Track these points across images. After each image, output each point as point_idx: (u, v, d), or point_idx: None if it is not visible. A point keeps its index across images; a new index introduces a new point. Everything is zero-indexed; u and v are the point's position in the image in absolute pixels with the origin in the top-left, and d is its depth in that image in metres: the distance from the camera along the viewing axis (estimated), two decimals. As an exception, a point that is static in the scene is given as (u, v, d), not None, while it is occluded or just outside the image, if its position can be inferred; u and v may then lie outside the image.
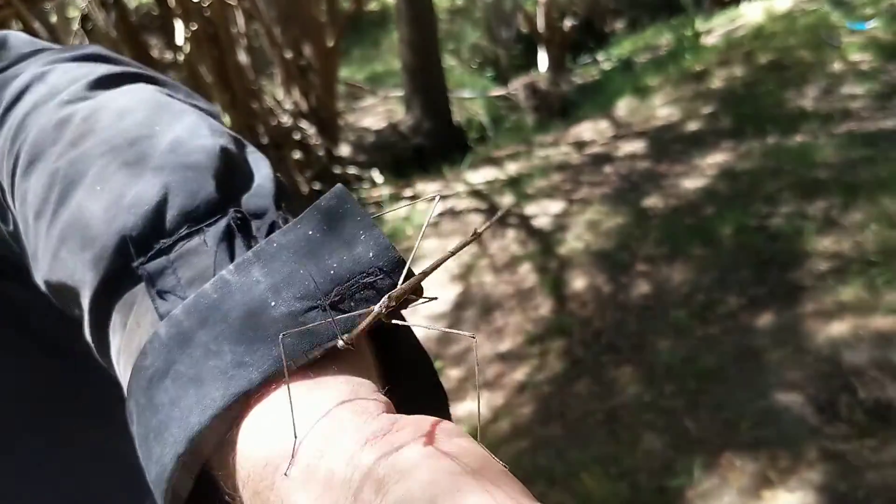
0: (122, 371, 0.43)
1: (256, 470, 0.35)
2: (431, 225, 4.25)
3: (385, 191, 4.65)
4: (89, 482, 0.66)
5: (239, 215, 0.43)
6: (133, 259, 0.43)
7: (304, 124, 4.96)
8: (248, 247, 0.42)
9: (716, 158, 4.17)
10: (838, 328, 2.72)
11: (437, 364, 3.15)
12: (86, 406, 0.65)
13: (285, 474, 0.33)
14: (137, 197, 0.44)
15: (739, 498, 2.19)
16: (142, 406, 0.39)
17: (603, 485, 2.26)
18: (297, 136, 4.95)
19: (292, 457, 0.34)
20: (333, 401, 0.36)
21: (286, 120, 4.91)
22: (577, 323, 3.20)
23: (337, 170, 4.96)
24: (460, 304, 3.53)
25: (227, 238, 0.43)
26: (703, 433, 2.44)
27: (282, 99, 5.11)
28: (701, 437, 2.42)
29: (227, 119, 4.64)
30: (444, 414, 0.47)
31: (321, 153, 4.95)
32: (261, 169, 0.48)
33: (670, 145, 4.53)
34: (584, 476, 2.33)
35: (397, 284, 0.41)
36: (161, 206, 0.43)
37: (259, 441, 0.36)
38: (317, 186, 4.84)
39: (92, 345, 0.47)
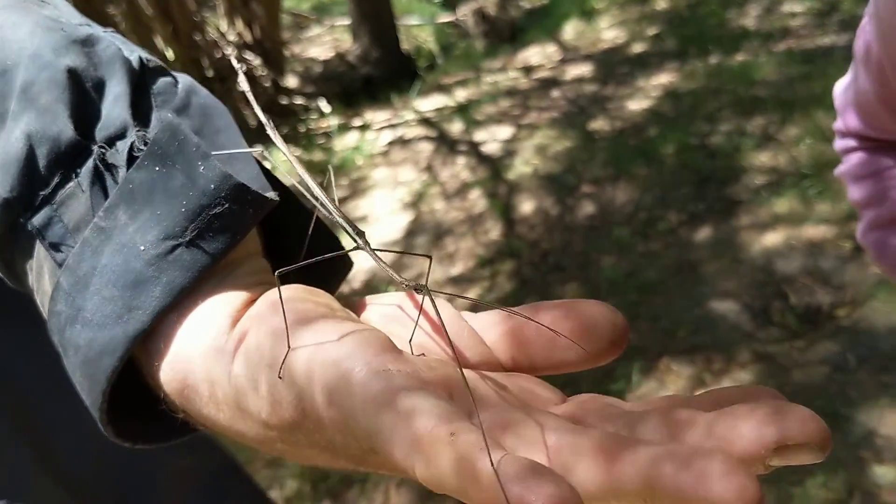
0: (42, 307, 0.48)
1: (176, 373, 0.43)
2: (381, 154, 4.27)
3: (333, 121, 4.64)
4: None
5: (103, 150, 0.45)
6: (21, 215, 0.45)
7: (248, 56, 4.88)
8: (116, 184, 0.45)
9: (660, 80, 4.22)
10: (772, 239, 2.85)
11: (390, 289, 3.22)
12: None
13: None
14: (5, 153, 0.45)
15: (676, 400, 2.32)
16: (64, 346, 0.45)
17: (549, 394, 2.37)
18: (242, 67, 4.88)
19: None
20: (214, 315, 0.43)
21: (230, 52, 4.84)
22: (525, 245, 3.28)
23: (284, 101, 4.92)
24: (412, 231, 3.59)
25: (98, 178, 0.45)
26: (642, 342, 2.56)
27: (225, 30, 5.02)
28: (641, 346, 2.54)
29: (169, 53, 4.54)
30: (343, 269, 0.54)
31: (267, 84, 4.89)
32: (114, 76, 0.47)
33: (616, 68, 4.57)
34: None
35: (247, 211, 0.44)
36: (30, 159, 0.45)
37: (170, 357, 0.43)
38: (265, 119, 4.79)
39: (7, 281, 0.51)
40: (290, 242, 0.52)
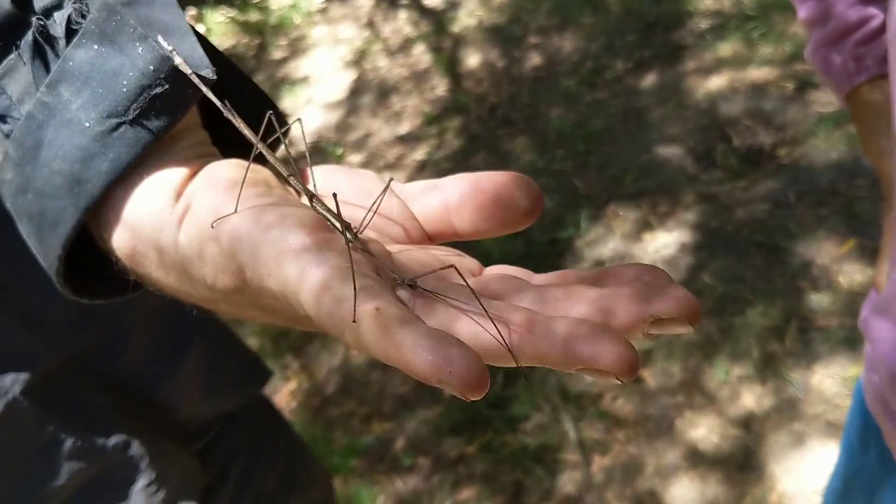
0: None
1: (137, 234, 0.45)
2: (320, 11, 4.10)
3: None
4: None
5: (41, 22, 0.45)
6: None
7: None
8: (57, 57, 0.45)
9: (605, -77, 4.08)
10: (716, 82, 2.86)
11: (338, 151, 3.19)
12: None
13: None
14: None
15: (623, 242, 2.40)
16: (17, 212, 0.47)
17: (500, 243, 2.42)
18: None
19: None
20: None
21: None
22: (472, 100, 3.25)
23: (213, -42, 4.65)
24: (356, 91, 3.51)
25: (38, 50, 0.45)
26: (590, 189, 2.61)
27: None
28: (588, 193, 2.59)
29: None
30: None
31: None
32: None
33: (560, -88, 4.39)
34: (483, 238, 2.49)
35: (186, 90, 0.45)
36: None
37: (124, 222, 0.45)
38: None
39: None
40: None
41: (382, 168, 3.07)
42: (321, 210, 0.42)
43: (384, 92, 3.46)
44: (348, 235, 0.40)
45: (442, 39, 3.63)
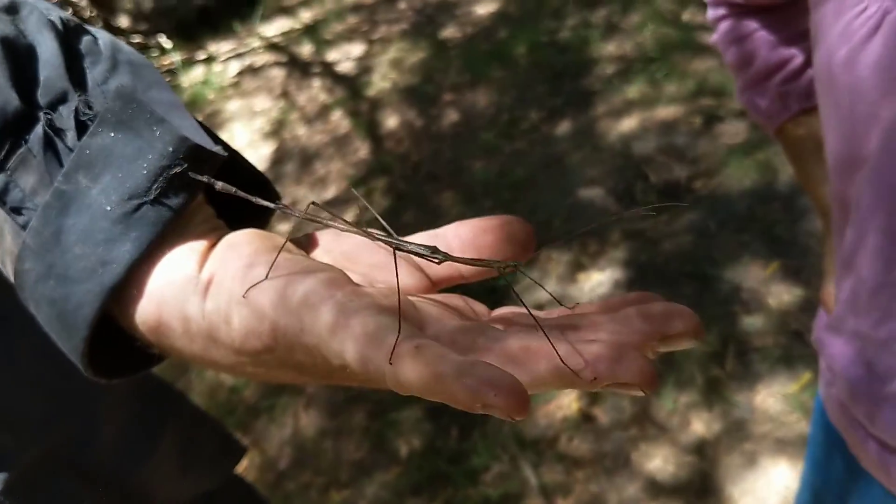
0: (3, 266, 0.51)
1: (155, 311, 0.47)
2: (232, 85, 4.11)
3: (176, 57, 4.40)
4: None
5: (49, 116, 0.47)
6: None
7: (70, -4, 4.53)
8: (67, 148, 0.47)
9: (503, -19, 4.25)
10: (628, 124, 2.99)
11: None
12: None
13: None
14: None
15: (559, 284, 2.45)
16: (36, 300, 0.48)
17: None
18: (68, 11, 4.53)
19: None
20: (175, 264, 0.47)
21: (48, -7, 4.47)
22: (395, 160, 3.29)
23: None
24: (277, 160, 3.52)
25: (48, 143, 0.47)
26: (522, 236, 2.66)
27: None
28: (521, 240, 2.64)
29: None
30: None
31: (98, 26, 4.56)
32: (43, 40, 0.49)
33: (459, -27, 4.55)
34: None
35: (203, 167, 0.47)
36: None
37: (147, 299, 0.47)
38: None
39: None
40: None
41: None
42: (372, 234, 0.47)
43: (306, 159, 3.48)
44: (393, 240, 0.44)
45: (358, 104, 3.69)
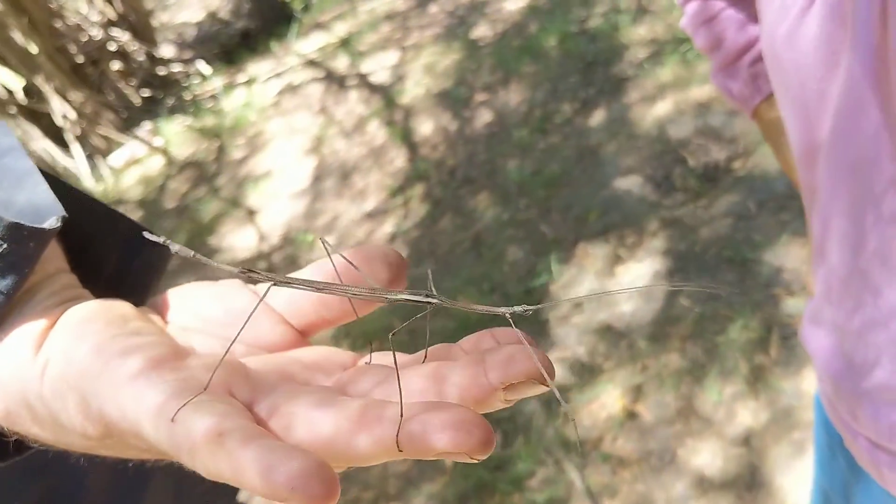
0: None
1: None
2: (273, 105, 4.18)
3: (217, 82, 4.50)
4: None
5: None
6: None
7: (116, 32, 4.67)
8: None
9: (532, -26, 4.20)
10: (662, 108, 2.91)
11: (308, 238, 3.21)
12: None
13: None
14: None
15: (597, 280, 2.40)
16: None
17: (477, 301, 2.42)
18: (112, 48, 4.68)
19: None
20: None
21: (96, 33, 4.62)
22: (431, 166, 3.29)
23: (162, 72, 4.74)
24: (318, 177, 3.56)
25: None
26: (557, 233, 2.62)
27: (87, 11, 4.78)
28: (556, 237, 2.60)
29: (32, 46, 4.31)
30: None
31: (142, 59, 4.70)
32: None
33: (488, -29, 4.52)
34: (459, 297, 2.49)
35: (27, 246, 0.44)
36: None
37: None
38: (146, 94, 4.63)
39: None
40: (104, 249, 0.53)
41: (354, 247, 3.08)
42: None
43: (346, 173, 3.51)
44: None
45: (393, 112, 3.70)
